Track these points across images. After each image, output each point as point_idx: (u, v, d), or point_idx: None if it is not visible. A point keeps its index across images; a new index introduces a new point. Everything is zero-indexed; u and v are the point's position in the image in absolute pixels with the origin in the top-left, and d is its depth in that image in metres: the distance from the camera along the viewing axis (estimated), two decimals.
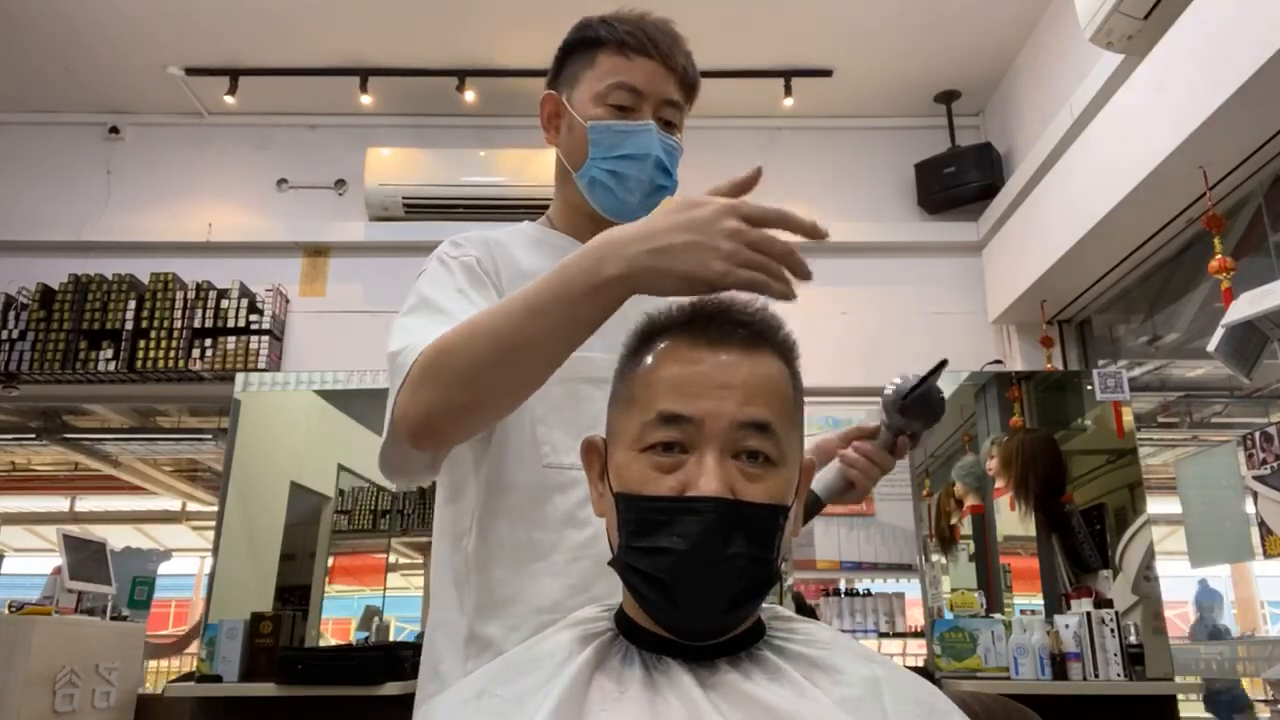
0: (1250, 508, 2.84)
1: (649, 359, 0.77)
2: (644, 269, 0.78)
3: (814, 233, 0.80)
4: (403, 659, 2.80)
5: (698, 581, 0.69)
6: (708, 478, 0.70)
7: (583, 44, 1.13)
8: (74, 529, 3.38)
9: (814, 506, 1.07)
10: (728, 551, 0.69)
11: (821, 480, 1.08)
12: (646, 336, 0.80)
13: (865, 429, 1.11)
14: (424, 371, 0.86)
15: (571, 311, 0.81)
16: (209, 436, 5.52)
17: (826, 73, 4.00)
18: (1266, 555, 2.77)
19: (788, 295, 0.78)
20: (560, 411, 1.03)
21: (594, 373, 0.99)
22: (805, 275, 0.79)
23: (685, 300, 0.79)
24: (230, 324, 3.78)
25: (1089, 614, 2.76)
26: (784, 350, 0.79)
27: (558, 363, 0.85)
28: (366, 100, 4.01)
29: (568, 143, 1.14)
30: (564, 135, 1.15)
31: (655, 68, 1.10)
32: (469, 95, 4.02)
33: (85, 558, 3.18)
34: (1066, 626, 2.77)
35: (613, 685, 0.72)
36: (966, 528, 3.23)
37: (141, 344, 3.74)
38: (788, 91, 4.00)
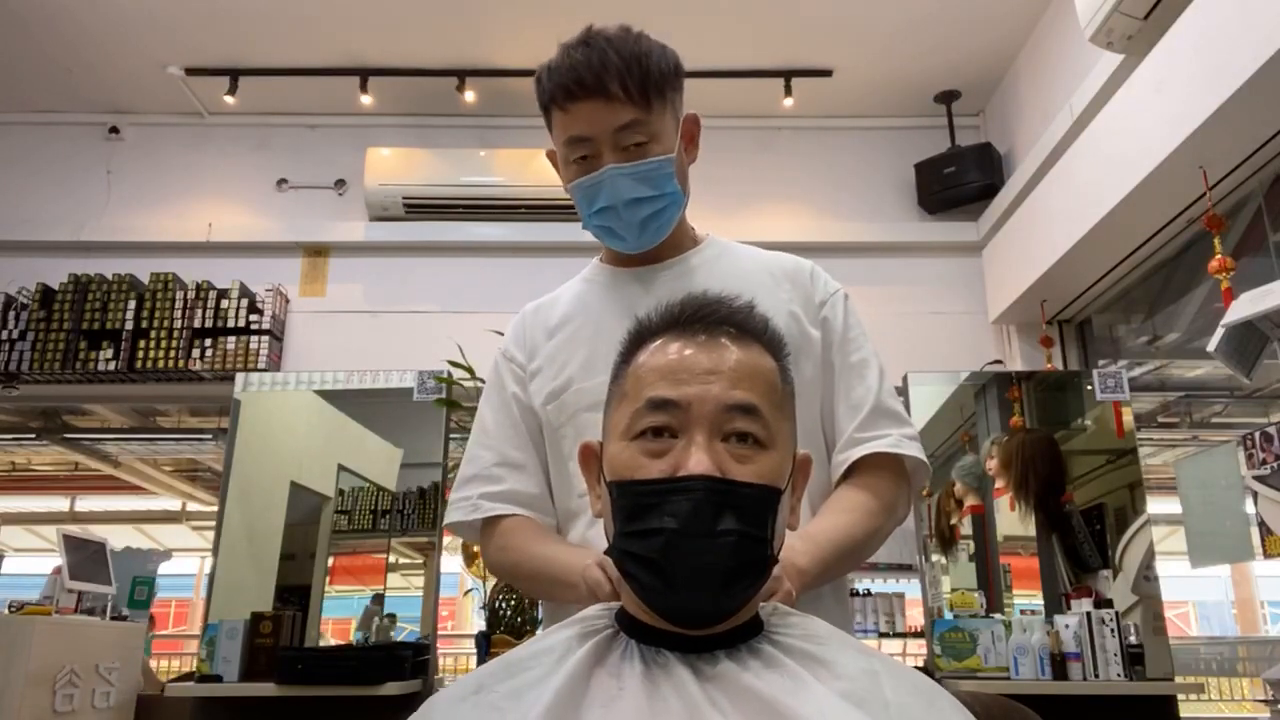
0: (1250, 508, 2.84)
1: (640, 357, 0.80)
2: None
3: None
4: (402, 659, 2.80)
5: (690, 559, 0.70)
6: (696, 458, 0.71)
7: (544, 109, 1.15)
8: (74, 529, 3.38)
9: None
10: (718, 528, 0.70)
11: None
12: (637, 339, 0.82)
13: None
14: (490, 565, 1.18)
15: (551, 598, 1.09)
16: (209, 436, 5.53)
17: (826, 73, 4.01)
18: (1266, 555, 2.77)
19: None
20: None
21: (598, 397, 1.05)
22: None
23: (674, 301, 0.82)
24: (230, 324, 3.78)
25: (1089, 614, 2.76)
26: (771, 344, 0.81)
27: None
28: (366, 100, 4.01)
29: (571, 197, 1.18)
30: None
31: (593, 105, 1.07)
32: (469, 95, 4.02)
33: (85, 558, 3.18)
34: (1066, 626, 2.78)
35: (611, 681, 0.72)
36: (966, 528, 3.23)
37: (141, 344, 3.74)
38: (788, 91, 4.00)
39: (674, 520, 0.70)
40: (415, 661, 2.87)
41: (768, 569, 0.74)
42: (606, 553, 0.78)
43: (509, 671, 0.74)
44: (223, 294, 3.84)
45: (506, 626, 2.90)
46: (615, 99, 1.06)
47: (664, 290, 1.11)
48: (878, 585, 3.74)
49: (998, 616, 2.97)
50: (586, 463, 0.83)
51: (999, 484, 3.25)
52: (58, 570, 3.11)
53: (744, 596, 0.74)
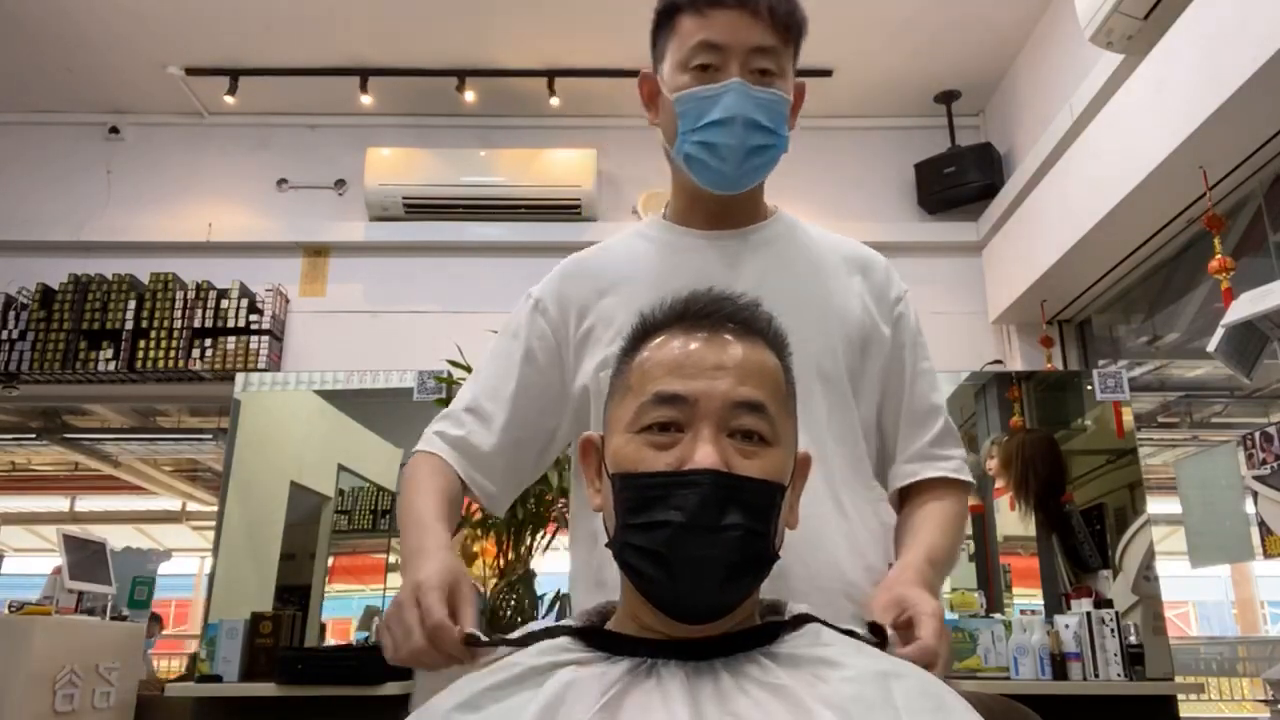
0: (1250, 508, 2.85)
1: (645, 351, 0.79)
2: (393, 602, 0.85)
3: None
4: None
5: (696, 553, 0.70)
6: (704, 452, 0.72)
7: (664, 13, 1.07)
8: (74, 529, 3.38)
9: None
10: (724, 523, 0.70)
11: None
12: (642, 333, 0.82)
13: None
14: None
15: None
16: (209, 436, 5.53)
17: (826, 73, 4.00)
18: (1266, 555, 2.77)
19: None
20: None
21: None
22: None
23: (679, 297, 0.82)
24: (230, 324, 3.78)
25: (1089, 614, 2.76)
26: (776, 342, 0.81)
27: None
28: (366, 100, 4.01)
29: (663, 121, 1.08)
30: (661, 114, 1.09)
31: (737, 16, 1.01)
32: (469, 95, 4.02)
33: (85, 558, 3.18)
34: (1066, 626, 2.77)
35: (591, 698, 0.69)
36: (966, 528, 3.23)
37: (141, 344, 3.74)
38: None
39: (680, 514, 0.70)
40: None
41: (768, 565, 0.75)
42: (608, 545, 0.77)
43: (473, 705, 0.71)
44: (223, 294, 3.84)
45: (507, 628, 2.90)
46: (760, 18, 1.01)
47: (749, 268, 1.07)
48: None
49: (998, 616, 2.97)
50: (586, 455, 0.83)
51: (999, 484, 3.25)
52: (58, 570, 3.12)
53: (745, 592, 0.74)
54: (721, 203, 1.09)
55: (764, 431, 0.75)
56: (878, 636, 0.80)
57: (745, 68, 1.01)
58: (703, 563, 0.70)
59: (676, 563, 0.70)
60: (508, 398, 1.10)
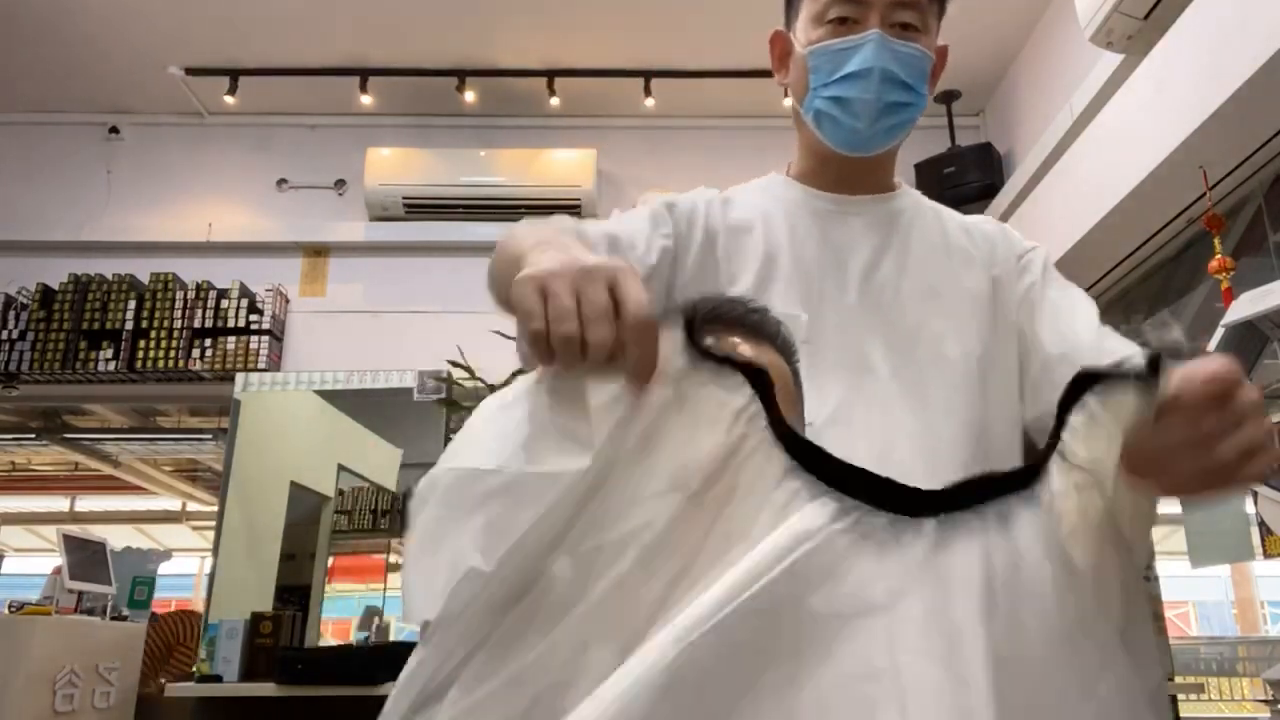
0: (1250, 508, 2.85)
1: None
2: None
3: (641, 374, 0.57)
4: (402, 659, 2.80)
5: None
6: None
7: None
8: (74, 529, 3.38)
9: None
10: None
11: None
12: None
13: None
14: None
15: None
16: (209, 436, 5.53)
17: None
18: (1266, 555, 2.77)
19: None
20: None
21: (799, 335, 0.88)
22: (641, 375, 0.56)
23: None
24: (230, 324, 3.78)
25: None
26: None
27: None
28: (366, 100, 4.01)
29: (793, 78, 1.05)
30: (791, 72, 1.06)
31: None
32: (469, 95, 4.02)
33: (85, 558, 3.18)
34: None
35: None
36: None
37: (141, 344, 3.74)
38: (788, 92, 3.99)
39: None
40: None
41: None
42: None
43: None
44: (223, 294, 3.84)
45: None
46: None
47: (874, 237, 1.02)
48: None
49: None
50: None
51: None
52: (58, 570, 3.12)
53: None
54: (851, 167, 1.05)
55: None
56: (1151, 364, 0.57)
57: (886, 21, 0.98)
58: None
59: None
60: (651, 265, 0.98)
